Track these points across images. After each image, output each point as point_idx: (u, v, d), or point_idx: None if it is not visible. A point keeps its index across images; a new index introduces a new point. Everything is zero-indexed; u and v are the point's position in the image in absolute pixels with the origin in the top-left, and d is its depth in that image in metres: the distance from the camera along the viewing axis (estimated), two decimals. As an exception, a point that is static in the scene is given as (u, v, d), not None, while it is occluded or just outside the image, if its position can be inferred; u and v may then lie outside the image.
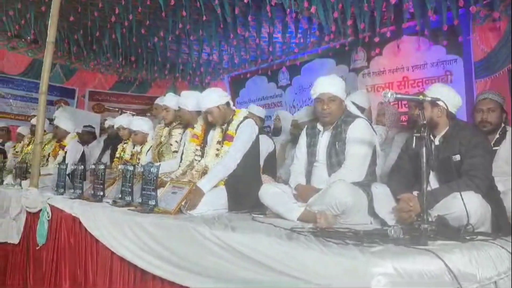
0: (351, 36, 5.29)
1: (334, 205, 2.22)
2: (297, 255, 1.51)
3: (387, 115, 3.97)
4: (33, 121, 5.77)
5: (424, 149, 1.80)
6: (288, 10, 4.99)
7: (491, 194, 2.19)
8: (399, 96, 1.77)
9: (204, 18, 5.38)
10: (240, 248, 1.70)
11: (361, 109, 3.61)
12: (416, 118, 3.01)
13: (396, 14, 4.69)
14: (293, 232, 1.84)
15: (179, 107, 3.47)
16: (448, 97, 2.23)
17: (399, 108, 5.26)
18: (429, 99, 1.81)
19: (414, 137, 2.08)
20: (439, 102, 2.00)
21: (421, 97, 1.79)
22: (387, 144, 3.70)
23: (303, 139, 2.81)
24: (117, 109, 7.99)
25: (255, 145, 2.98)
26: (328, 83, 2.62)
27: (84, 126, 6.56)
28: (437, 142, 2.34)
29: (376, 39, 5.05)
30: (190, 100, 3.35)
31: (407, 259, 1.40)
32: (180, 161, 3.37)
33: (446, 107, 2.12)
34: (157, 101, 4.82)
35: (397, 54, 5.61)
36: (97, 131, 6.96)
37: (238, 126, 2.94)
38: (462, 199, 1.89)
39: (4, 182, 4.95)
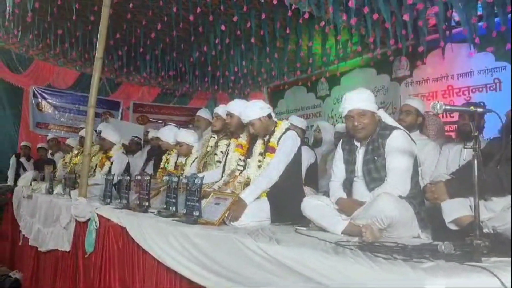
0: (394, 45, 5.20)
1: (379, 219, 2.17)
2: (345, 270, 1.49)
3: (430, 126, 3.86)
4: (81, 133, 6.03)
5: (476, 161, 1.75)
6: (323, 22, 4.98)
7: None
8: (448, 107, 1.72)
9: (242, 32, 5.47)
10: (285, 261, 1.69)
11: (420, 114, 3.54)
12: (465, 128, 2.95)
13: (440, 22, 4.56)
14: (339, 246, 1.82)
15: (227, 112, 3.48)
16: None
17: (443, 118, 5.11)
18: (480, 110, 1.75)
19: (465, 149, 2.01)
20: None
21: (471, 108, 1.73)
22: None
23: (339, 154, 2.75)
24: (160, 121, 8.21)
25: (297, 156, 2.97)
26: (355, 99, 2.55)
27: (132, 136, 6.77)
28: None
29: (420, 48, 4.93)
30: (237, 107, 3.38)
31: (460, 277, 1.35)
32: (223, 172, 3.41)
33: None
34: (199, 112, 4.92)
35: (441, 62, 5.45)
36: (141, 142, 7.17)
37: (280, 137, 2.94)
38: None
39: (54, 192, 5.17)
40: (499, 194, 2.11)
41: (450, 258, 1.58)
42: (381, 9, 4.35)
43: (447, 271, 1.40)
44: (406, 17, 4.26)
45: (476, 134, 1.74)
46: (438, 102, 1.71)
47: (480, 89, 5.15)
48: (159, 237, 2.57)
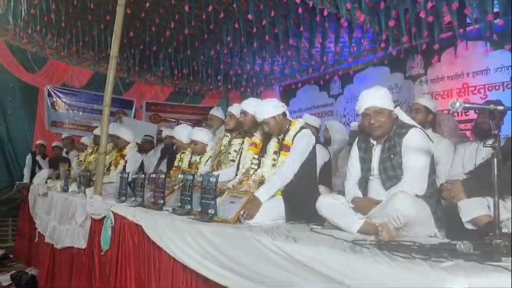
0: (408, 43, 5.16)
1: (396, 218, 2.15)
2: (363, 269, 1.49)
3: (444, 125, 3.83)
4: (95, 131, 6.10)
5: (495, 160, 1.73)
6: (342, 19, 4.95)
7: None
8: (467, 105, 1.70)
9: (255, 30, 5.46)
10: (303, 259, 1.69)
11: (430, 112, 3.51)
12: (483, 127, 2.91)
13: (456, 19, 4.51)
14: (356, 245, 1.82)
15: (242, 111, 3.48)
16: None
17: (458, 116, 5.06)
18: (501, 108, 1.73)
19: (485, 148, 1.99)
20: None
21: (492, 106, 1.71)
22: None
23: (355, 152, 2.74)
24: (173, 120, 8.25)
25: (312, 155, 2.97)
26: (372, 96, 2.53)
27: (145, 135, 6.82)
28: None
29: (435, 46, 4.88)
30: (252, 106, 3.38)
31: (480, 277, 1.33)
32: (237, 170, 3.42)
33: None
34: (212, 111, 4.94)
35: (456, 60, 5.41)
36: (154, 141, 7.22)
37: (294, 136, 2.94)
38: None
39: (69, 190, 5.23)
40: None
41: (469, 257, 1.57)
42: (396, 6, 4.32)
43: (467, 270, 1.38)
44: (422, 14, 4.22)
45: (496, 132, 1.72)
46: (457, 100, 1.69)
47: (497, 87, 5.09)
48: (174, 235, 2.59)
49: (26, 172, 7.44)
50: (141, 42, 6.75)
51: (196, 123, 8.26)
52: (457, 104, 1.69)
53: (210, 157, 3.99)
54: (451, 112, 3.34)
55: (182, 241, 2.49)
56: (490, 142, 1.78)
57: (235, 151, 3.68)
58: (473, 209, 2.12)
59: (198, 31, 5.99)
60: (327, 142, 4.70)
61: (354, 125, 4.15)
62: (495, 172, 1.72)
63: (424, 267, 1.41)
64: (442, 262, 1.49)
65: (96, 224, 3.77)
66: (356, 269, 1.50)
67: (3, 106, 7.93)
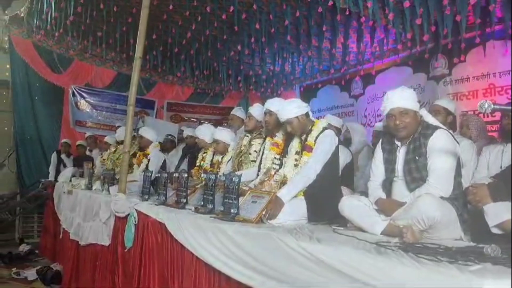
0: (431, 42, 5.08)
1: (421, 220, 2.13)
2: (389, 270, 1.48)
3: (472, 127, 3.76)
4: (118, 130, 6.21)
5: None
6: (364, 18, 4.92)
7: None
8: (497, 107, 1.68)
9: (273, 30, 5.47)
10: (328, 260, 1.69)
11: (450, 113, 3.46)
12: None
13: (481, 18, 4.43)
14: (380, 246, 1.81)
15: (266, 110, 3.47)
16: None
17: (485, 118, 4.96)
18: (531, 109, 1.70)
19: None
20: None
21: (522, 107, 1.68)
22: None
23: (378, 154, 2.71)
24: (195, 120, 8.32)
25: (335, 156, 2.95)
26: (397, 97, 2.50)
27: (167, 135, 6.91)
28: None
29: (462, 45, 4.80)
30: (276, 105, 3.37)
31: (509, 280, 1.31)
32: (258, 171, 3.43)
33: None
34: (234, 111, 4.97)
35: (482, 60, 5.30)
36: (175, 140, 7.30)
37: (317, 136, 2.93)
38: None
39: (93, 188, 5.34)
40: None
41: (497, 261, 1.54)
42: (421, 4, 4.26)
43: (495, 274, 1.37)
44: (447, 11, 4.15)
45: (525, 134, 1.69)
46: (486, 101, 1.67)
47: (524, 87, 4.97)
48: (198, 233, 2.62)
49: (52, 170, 7.61)
50: (162, 44, 6.83)
51: (216, 123, 8.30)
52: (486, 105, 1.67)
53: (232, 157, 4.02)
54: (477, 112, 3.28)
55: (205, 240, 2.51)
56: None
57: (255, 151, 3.70)
58: (499, 213, 2.08)
59: (219, 32, 6.04)
60: (347, 143, 4.68)
61: (379, 125, 4.12)
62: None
63: (452, 269, 1.39)
64: (469, 266, 1.47)
65: (120, 222, 3.83)
66: (382, 270, 1.49)
67: (31, 106, 8.14)
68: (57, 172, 7.46)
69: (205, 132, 4.47)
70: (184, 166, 5.67)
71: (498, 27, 4.68)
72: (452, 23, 4.53)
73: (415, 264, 1.48)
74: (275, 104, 3.37)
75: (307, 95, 8.43)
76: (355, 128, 4.76)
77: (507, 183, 2.09)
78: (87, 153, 7.99)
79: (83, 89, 8.79)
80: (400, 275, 1.44)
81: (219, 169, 4.02)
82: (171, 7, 5.39)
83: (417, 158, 2.44)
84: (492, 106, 1.65)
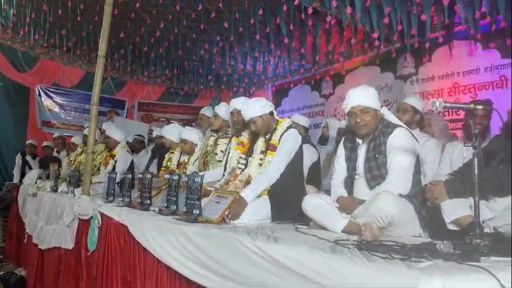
0: (398, 42, 5.16)
1: (379, 217, 2.15)
2: (341, 269, 1.48)
3: (434, 125, 3.83)
4: (86, 131, 6.06)
5: (476, 159, 1.72)
6: (330, 18, 4.95)
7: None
8: (448, 105, 1.70)
9: (241, 30, 5.46)
10: (282, 260, 1.68)
11: (418, 112, 3.51)
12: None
13: (446, 18, 4.52)
14: (337, 245, 1.81)
15: (233, 109, 3.46)
16: None
17: (448, 116, 5.07)
18: (480, 107, 1.73)
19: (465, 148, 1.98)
20: None
21: (471, 105, 1.71)
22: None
23: (341, 152, 2.73)
24: (164, 119, 8.23)
25: (299, 155, 2.95)
26: (358, 95, 2.53)
27: (136, 135, 6.79)
28: None
29: (426, 45, 4.89)
30: (242, 105, 3.35)
31: (457, 277, 1.32)
32: (224, 171, 3.41)
33: None
34: (202, 111, 4.92)
35: (447, 60, 5.42)
36: (145, 141, 7.19)
37: (281, 135, 2.93)
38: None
39: (59, 190, 5.20)
40: (499, 194, 2.09)
41: (449, 257, 1.56)
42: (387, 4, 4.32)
43: (444, 270, 1.37)
44: (414, 11, 4.21)
45: (476, 132, 1.72)
46: (438, 99, 1.69)
47: (487, 86, 5.11)
48: (159, 235, 2.58)
49: (16, 172, 7.40)
50: (131, 42, 6.72)
51: (188, 123, 8.24)
52: (437, 103, 1.69)
53: (198, 157, 3.98)
54: (439, 111, 3.34)
55: (166, 241, 2.47)
56: (471, 141, 1.78)
57: (221, 151, 3.67)
58: (455, 209, 2.12)
59: (189, 31, 5.98)
60: (325, 140, 4.69)
61: (342, 124, 4.15)
62: (476, 172, 1.72)
63: (401, 267, 1.40)
64: (421, 262, 1.48)
65: (84, 225, 3.74)
66: (333, 269, 1.49)
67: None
68: (23, 174, 7.24)
69: (172, 132, 4.41)
70: (153, 166, 5.59)
71: (461, 28, 4.77)
72: (418, 23, 4.61)
73: (366, 262, 1.48)
74: (241, 103, 3.35)
75: (279, 94, 8.46)
76: (335, 125, 4.75)
77: (463, 180, 2.13)
78: (56, 154, 7.79)
79: (50, 89, 8.57)
80: (351, 274, 1.44)
81: (185, 169, 3.97)
82: (138, 5, 5.29)
83: (377, 156, 2.46)
84: (443, 104, 1.67)
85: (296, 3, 4.45)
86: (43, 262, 4.64)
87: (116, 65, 7.91)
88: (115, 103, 9.18)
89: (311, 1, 4.35)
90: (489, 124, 3.36)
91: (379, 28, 4.86)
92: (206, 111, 4.82)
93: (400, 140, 2.44)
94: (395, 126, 2.52)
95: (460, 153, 3.25)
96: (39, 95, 8.43)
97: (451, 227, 2.14)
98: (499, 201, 2.15)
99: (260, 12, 5.04)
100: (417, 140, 2.57)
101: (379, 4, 4.44)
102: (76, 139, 6.73)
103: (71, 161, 6.33)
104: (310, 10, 4.60)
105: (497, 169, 2.23)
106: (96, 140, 4.99)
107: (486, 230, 2.02)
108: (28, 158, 7.53)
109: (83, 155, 5.91)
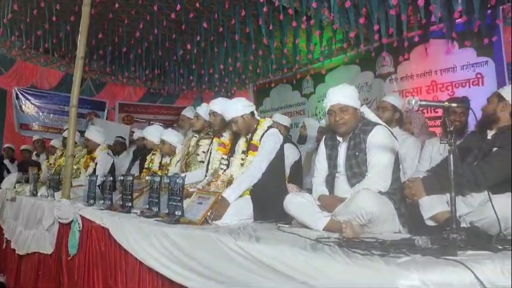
0: (377, 42, 5.23)
1: (359, 215, 2.18)
2: (321, 267, 1.49)
3: (414, 123, 3.89)
4: (65, 133, 5.96)
5: (451, 156, 1.76)
6: (306, 18, 4.99)
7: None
8: (423, 103, 1.74)
9: (221, 30, 5.46)
10: (263, 259, 1.69)
11: (397, 110, 3.56)
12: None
13: (423, 18, 4.60)
14: (318, 243, 1.82)
15: (211, 111, 3.47)
16: None
17: (428, 113, 5.16)
18: (455, 105, 1.77)
19: (441, 144, 2.03)
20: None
21: (446, 103, 1.75)
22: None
23: (322, 150, 2.76)
24: (145, 121, 8.16)
25: (280, 154, 2.97)
26: (338, 94, 2.56)
27: (117, 137, 6.71)
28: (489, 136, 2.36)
29: (405, 43, 4.96)
30: (221, 106, 3.36)
31: (434, 271, 1.35)
32: (206, 171, 3.40)
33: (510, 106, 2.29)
34: (184, 112, 4.90)
35: (424, 58, 5.51)
36: (127, 142, 7.12)
37: (262, 135, 2.94)
38: (493, 205, 1.83)
39: (39, 194, 5.10)
40: (475, 190, 2.14)
41: (427, 252, 1.59)
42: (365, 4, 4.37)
43: (421, 265, 1.40)
44: (392, 12, 4.27)
45: (451, 129, 1.76)
46: (413, 97, 1.73)
47: (463, 84, 5.21)
48: (141, 237, 2.56)
49: (-7, 176, 7.22)
50: (111, 43, 6.65)
51: (170, 124, 8.21)
52: (413, 101, 1.73)
53: (180, 158, 3.96)
54: (414, 109, 3.40)
55: (147, 243, 2.46)
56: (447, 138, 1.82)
57: (203, 152, 3.67)
58: (433, 205, 2.17)
59: (169, 31, 5.94)
60: (303, 139, 4.72)
61: (323, 122, 4.19)
62: (451, 169, 1.76)
63: (379, 263, 1.42)
64: (400, 258, 1.51)
65: (64, 229, 3.68)
66: (314, 267, 1.51)
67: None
68: (0, 178, 7.08)
69: (153, 133, 4.38)
70: (135, 168, 5.54)
71: (437, 27, 4.86)
72: (396, 23, 4.68)
73: (346, 259, 1.49)
74: (218, 104, 3.36)
75: (261, 94, 8.47)
76: (313, 124, 4.79)
77: (441, 176, 2.17)
78: (35, 157, 7.65)
79: (28, 91, 8.40)
80: (331, 271, 1.46)
81: (167, 171, 3.95)
82: (116, 5, 5.23)
83: (357, 153, 2.49)
84: (419, 102, 1.71)
85: (276, 4, 4.47)
86: (22, 267, 4.55)
87: (95, 66, 7.81)
88: (95, 105, 9.05)
89: (291, 2, 4.37)
90: (467, 121, 3.46)
91: (357, 28, 4.93)
92: (187, 112, 4.80)
93: (379, 138, 2.48)
94: (375, 124, 2.55)
95: (439, 150, 3.33)
96: (17, 97, 8.26)
97: (430, 222, 2.19)
98: (475, 196, 2.21)
99: (243, 13, 5.03)
100: (396, 138, 2.61)
101: (356, 4, 4.49)
102: (56, 142, 6.61)
103: (50, 164, 6.22)
104: (290, 11, 4.62)
105: (472, 165, 2.28)
106: (76, 143, 4.93)
107: (463, 225, 2.07)
108: (6, 162, 7.39)
109: (62, 158, 5.83)
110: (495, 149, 2.27)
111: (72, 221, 3.53)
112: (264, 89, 8.42)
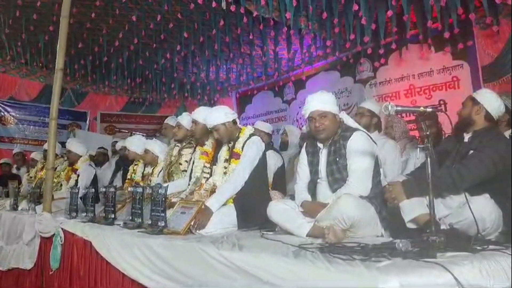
0: (356, 48, 5.31)
1: (341, 220, 2.20)
2: (303, 273, 1.50)
3: (396, 128, 3.95)
4: (46, 146, 5.87)
5: (428, 159, 1.80)
6: (286, 28, 5.04)
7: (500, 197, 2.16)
8: (399, 108, 1.78)
9: (202, 39, 5.48)
10: (246, 267, 1.70)
11: (375, 115, 3.60)
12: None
13: (399, 24, 4.70)
14: (301, 249, 1.84)
15: (192, 120, 3.48)
16: (490, 101, 2.42)
17: (408, 117, 5.23)
18: (430, 109, 1.81)
19: (418, 148, 2.06)
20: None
21: (421, 108, 1.79)
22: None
23: (303, 157, 2.78)
24: (127, 130, 8.09)
25: (262, 161, 2.99)
26: (317, 101, 2.59)
27: (99, 148, 6.64)
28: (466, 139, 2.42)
29: (381, 50, 5.05)
30: (202, 114, 3.36)
31: (414, 274, 1.38)
32: (189, 180, 3.39)
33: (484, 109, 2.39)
34: (167, 120, 4.89)
35: (402, 63, 5.62)
36: (109, 153, 7.04)
37: (244, 143, 2.95)
38: (470, 207, 1.87)
39: (19, 208, 5.00)
40: (453, 192, 2.19)
41: (407, 255, 1.62)
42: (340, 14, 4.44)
43: (401, 269, 1.43)
44: (363, 21, 4.35)
45: (427, 133, 1.80)
46: (389, 103, 1.76)
47: (440, 87, 5.32)
48: (123, 249, 2.53)
49: (-28, 191, 7.05)
50: (91, 52, 6.59)
51: (152, 133, 8.14)
52: (389, 107, 1.76)
53: (163, 168, 3.94)
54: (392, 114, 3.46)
55: (130, 255, 2.44)
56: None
57: (186, 161, 3.65)
58: (413, 209, 2.21)
59: (149, 40, 5.93)
60: (285, 146, 4.75)
61: (305, 129, 4.22)
62: (429, 172, 1.80)
63: (360, 268, 1.44)
64: (380, 262, 1.53)
65: (45, 243, 3.61)
66: (295, 274, 1.52)
67: None
68: (-21, 193, 6.91)
69: (135, 144, 4.35)
70: (118, 179, 5.49)
71: (413, 32, 4.96)
72: (373, 29, 4.77)
73: (327, 265, 1.51)
74: (200, 114, 3.37)
75: (243, 101, 8.51)
76: (294, 131, 4.83)
77: (420, 180, 2.21)
78: (15, 171, 7.51)
79: (6, 103, 8.25)
80: (313, 278, 1.47)
81: (150, 181, 3.92)
82: (93, 15, 5.20)
83: (337, 159, 2.52)
84: (395, 108, 1.74)
85: (255, 14, 4.52)
86: (2, 284, 4.44)
87: (76, 76, 7.72)
88: (77, 115, 8.94)
89: (270, 12, 4.42)
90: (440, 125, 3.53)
91: (335, 36, 5.00)
92: (170, 121, 4.79)
93: (358, 144, 2.51)
94: (354, 130, 2.59)
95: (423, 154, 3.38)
96: (-5, 109, 8.11)
97: (410, 225, 2.23)
98: (454, 198, 2.26)
99: (221, 23, 5.06)
100: (375, 142, 2.65)
101: (332, 13, 4.56)
102: (36, 155, 6.52)
103: (31, 177, 6.12)
104: (271, 22, 4.68)
105: (450, 168, 2.33)
106: (57, 155, 4.86)
107: (442, 227, 2.12)
108: (-16, 176, 7.22)
109: (43, 171, 5.74)
110: (471, 151, 2.33)
111: (53, 234, 3.47)
112: (246, 96, 8.47)
